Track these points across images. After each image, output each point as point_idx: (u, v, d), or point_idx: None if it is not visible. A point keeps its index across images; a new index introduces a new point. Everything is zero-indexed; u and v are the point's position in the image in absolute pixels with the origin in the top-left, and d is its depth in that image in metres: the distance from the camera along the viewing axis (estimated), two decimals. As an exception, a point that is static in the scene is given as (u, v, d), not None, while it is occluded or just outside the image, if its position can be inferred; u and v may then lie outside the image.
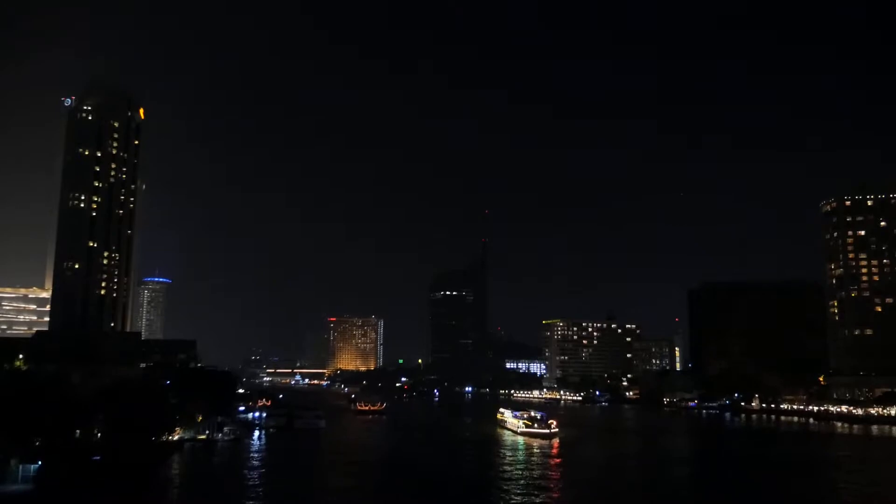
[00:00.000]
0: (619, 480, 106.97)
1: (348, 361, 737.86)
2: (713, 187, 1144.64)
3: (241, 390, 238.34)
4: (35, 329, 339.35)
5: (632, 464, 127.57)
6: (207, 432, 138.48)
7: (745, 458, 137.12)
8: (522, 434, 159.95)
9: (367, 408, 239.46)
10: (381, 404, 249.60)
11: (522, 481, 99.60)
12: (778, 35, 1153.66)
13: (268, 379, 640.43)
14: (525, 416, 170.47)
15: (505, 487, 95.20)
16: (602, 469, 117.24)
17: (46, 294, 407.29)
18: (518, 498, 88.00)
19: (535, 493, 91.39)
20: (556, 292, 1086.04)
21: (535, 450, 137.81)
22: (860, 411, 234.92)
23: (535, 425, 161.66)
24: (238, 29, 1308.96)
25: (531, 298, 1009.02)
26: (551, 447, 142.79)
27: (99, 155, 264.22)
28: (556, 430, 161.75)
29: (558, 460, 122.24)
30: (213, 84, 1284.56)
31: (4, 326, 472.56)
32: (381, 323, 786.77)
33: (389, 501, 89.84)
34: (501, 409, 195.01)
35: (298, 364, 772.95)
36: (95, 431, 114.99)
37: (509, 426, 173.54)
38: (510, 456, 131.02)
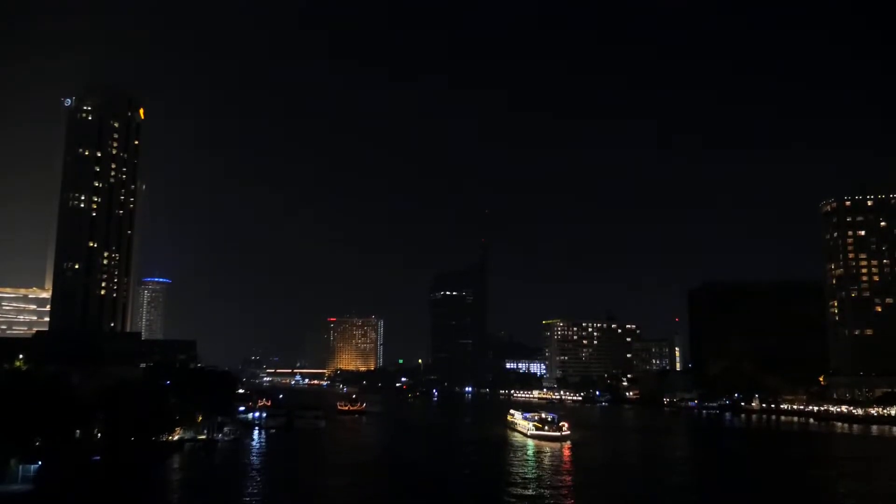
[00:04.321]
0: (637, 489, 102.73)
1: (348, 361, 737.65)
2: (713, 187, 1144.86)
3: (241, 390, 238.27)
4: (35, 329, 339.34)
5: (643, 468, 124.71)
6: (207, 432, 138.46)
7: (747, 459, 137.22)
8: (533, 437, 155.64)
9: (347, 408, 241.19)
10: (362, 405, 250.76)
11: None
12: (776, 34, 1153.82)
13: (268, 379, 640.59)
14: (536, 417, 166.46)
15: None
16: (619, 477, 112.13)
17: (46, 294, 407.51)
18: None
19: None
20: (556, 292, 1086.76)
21: (545, 455, 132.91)
22: (860, 411, 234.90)
23: (546, 428, 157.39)
24: (239, 29, 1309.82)
25: (531, 298, 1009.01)
26: (563, 451, 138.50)
27: (99, 155, 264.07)
28: (568, 432, 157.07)
29: (569, 478, 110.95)
30: (213, 84, 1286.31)
31: (4, 326, 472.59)
32: (381, 323, 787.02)
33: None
34: (512, 411, 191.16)
35: (298, 364, 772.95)
36: (95, 431, 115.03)
37: (519, 428, 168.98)
38: (519, 461, 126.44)
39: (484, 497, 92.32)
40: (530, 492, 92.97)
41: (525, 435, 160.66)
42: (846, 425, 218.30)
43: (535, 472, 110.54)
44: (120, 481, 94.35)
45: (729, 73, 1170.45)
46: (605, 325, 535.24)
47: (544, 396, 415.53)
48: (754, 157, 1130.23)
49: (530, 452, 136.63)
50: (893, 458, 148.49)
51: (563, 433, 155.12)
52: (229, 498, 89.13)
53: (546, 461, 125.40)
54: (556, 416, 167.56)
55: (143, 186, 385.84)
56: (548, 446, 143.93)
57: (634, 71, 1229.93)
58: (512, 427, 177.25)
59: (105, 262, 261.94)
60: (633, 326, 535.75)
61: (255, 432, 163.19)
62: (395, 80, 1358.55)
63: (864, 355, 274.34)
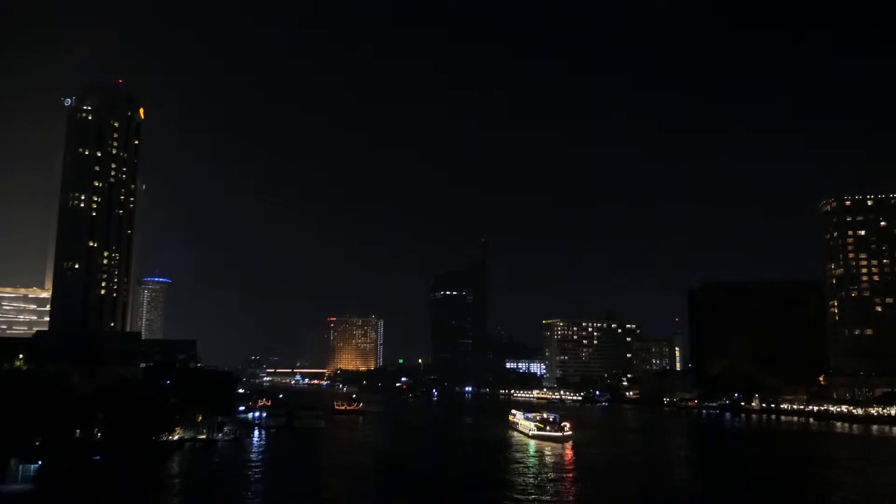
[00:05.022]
0: (640, 489, 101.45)
1: (348, 361, 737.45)
2: (713, 187, 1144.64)
3: (241, 390, 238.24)
4: (35, 329, 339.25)
5: (645, 468, 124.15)
6: (207, 432, 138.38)
7: (748, 459, 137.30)
8: (534, 437, 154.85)
9: (343, 407, 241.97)
10: (358, 404, 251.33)
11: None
12: (777, 34, 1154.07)
13: (268, 379, 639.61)
14: (537, 417, 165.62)
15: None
16: (622, 477, 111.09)
17: (46, 294, 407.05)
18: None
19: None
20: (556, 292, 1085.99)
21: (547, 455, 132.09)
22: (860, 411, 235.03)
23: (548, 428, 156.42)
24: (240, 28, 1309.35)
25: (531, 298, 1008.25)
26: (565, 451, 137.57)
27: (99, 155, 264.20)
28: (570, 432, 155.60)
29: (572, 478, 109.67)
30: (214, 84, 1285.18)
31: (4, 326, 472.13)
32: (381, 323, 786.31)
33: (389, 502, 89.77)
34: (513, 411, 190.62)
35: (298, 364, 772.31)
36: (95, 431, 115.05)
37: (521, 428, 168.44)
38: (520, 462, 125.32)
39: (486, 497, 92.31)
40: (532, 493, 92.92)
41: (527, 435, 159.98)
42: (846, 425, 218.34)
43: (537, 473, 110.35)
44: (120, 481, 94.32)
45: (729, 72, 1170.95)
46: (605, 325, 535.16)
47: (543, 396, 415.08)
48: (754, 156, 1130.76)
49: (532, 453, 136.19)
50: (893, 457, 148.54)
51: (565, 433, 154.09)
52: (229, 498, 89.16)
53: (548, 461, 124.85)
54: (557, 417, 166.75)
55: (143, 186, 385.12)
56: (549, 446, 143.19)
57: (634, 71, 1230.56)
58: (514, 427, 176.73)
59: (105, 262, 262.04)
60: (633, 326, 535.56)
61: (255, 432, 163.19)
62: (395, 80, 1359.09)
63: (864, 355, 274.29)
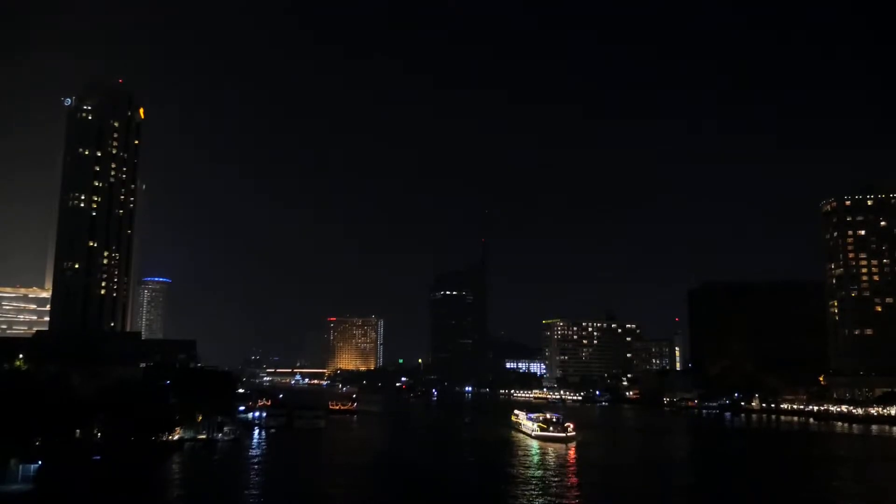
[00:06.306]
0: (644, 489, 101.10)
1: (348, 361, 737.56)
2: (713, 187, 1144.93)
3: (241, 390, 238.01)
4: (35, 329, 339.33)
5: (648, 468, 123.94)
6: (207, 432, 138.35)
7: (749, 459, 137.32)
8: (537, 438, 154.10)
9: (339, 407, 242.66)
10: (353, 404, 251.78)
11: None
12: (777, 34, 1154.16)
13: (268, 379, 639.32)
14: (541, 418, 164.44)
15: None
16: (626, 477, 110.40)
17: (46, 294, 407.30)
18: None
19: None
20: (556, 292, 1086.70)
21: (550, 456, 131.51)
22: (860, 411, 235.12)
23: (552, 428, 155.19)
24: (240, 28, 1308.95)
25: (531, 298, 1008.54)
26: (568, 452, 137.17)
27: (99, 155, 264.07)
28: (574, 433, 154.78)
29: (577, 479, 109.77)
30: (213, 84, 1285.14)
31: (4, 326, 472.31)
32: (381, 323, 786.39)
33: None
34: (516, 411, 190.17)
35: (298, 364, 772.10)
36: (95, 431, 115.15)
37: (524, 429, 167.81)
38: (523, 462, 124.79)
39: (489, 497, 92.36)
40: (534, 493, 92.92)
41: (530, 436, 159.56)
42: (846, 425, 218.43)
43: (539, 473, 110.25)
44: (120, 481, 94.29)
45: (729, 73, 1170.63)
46: (605, 325, 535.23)
47: (541, 396, 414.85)
48: (754, 156, 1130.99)
49: (535, 453, 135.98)
50: (893, 457, 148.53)
51: (569, 434, 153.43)
52: (229, 498, 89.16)
53: (551, 462, 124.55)
54: (560, 417, 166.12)
55: (143, 186, 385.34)
56: (552, 447, 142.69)
57: (634, 71, 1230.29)
58: (517, 428, 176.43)
59: (105, 262, 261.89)
60: (633, 326, 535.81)
61: (255, 432, 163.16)
62: (394, 79, 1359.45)
63: (864, 355, 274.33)
